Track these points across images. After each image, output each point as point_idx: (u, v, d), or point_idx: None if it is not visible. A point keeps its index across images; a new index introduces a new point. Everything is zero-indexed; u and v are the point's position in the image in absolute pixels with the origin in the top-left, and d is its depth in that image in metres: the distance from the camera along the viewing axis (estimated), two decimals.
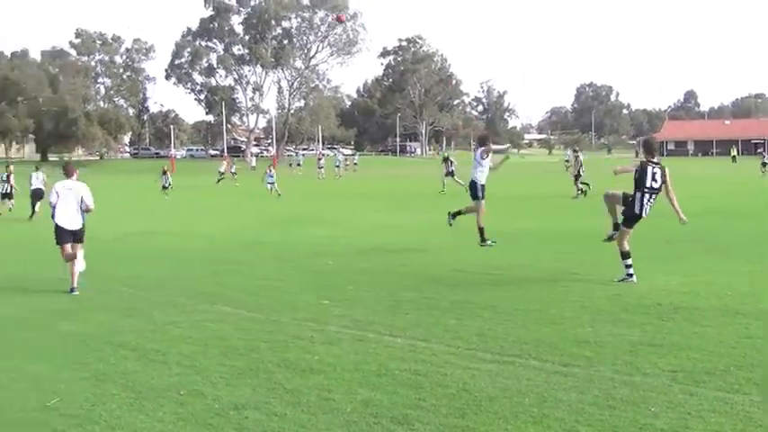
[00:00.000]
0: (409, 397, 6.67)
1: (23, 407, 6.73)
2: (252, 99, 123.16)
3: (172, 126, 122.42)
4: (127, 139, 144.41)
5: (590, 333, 8.70)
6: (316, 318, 9.92)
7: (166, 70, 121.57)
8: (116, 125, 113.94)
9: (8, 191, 30.96)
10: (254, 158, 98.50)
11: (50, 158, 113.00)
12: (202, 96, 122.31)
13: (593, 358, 7.70)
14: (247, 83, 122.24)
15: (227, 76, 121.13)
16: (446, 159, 40.15)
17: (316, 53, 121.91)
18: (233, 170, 59.72)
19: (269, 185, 41.77)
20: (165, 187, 43.05)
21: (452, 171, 39.24)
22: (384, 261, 15.08)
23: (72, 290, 12.15)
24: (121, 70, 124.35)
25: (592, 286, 11.52)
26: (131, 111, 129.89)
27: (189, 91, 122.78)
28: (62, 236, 12.52)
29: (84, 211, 12.67)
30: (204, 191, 47.59)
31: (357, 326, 9.41)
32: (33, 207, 28.19)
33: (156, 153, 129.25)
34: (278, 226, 23.44)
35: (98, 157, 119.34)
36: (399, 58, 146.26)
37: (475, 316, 9.74)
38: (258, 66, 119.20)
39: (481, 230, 16.27)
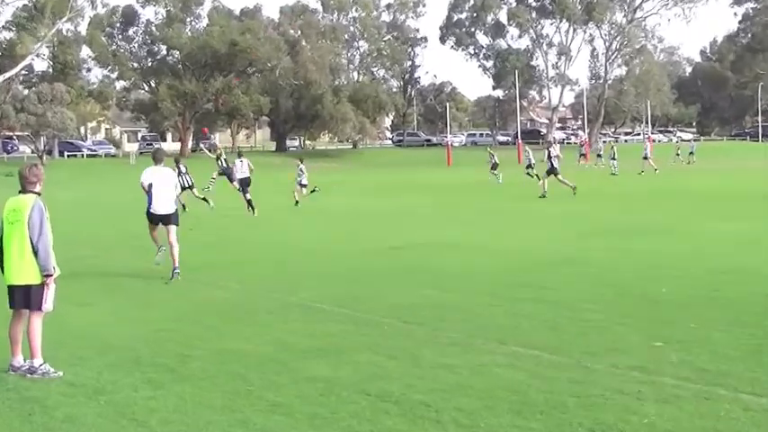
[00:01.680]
0: None
1: None
2: (555, 66, 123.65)
3: (447, 104, 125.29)
4: (388, 121, 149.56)
5: None
6: (644, 365, 9.81)
7: (441, 29, 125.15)
8: (374, 104, 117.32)
9: (188, 184, 34.31)
10: (556, 146, 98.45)
11: (289, 147, 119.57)
12: (489, 63, 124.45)
13: None
14: (549, 44, 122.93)
15: (521, 36, 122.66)
16: None
17: (642, 2, 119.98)
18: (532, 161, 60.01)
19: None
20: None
21: None
22: (743, 288, 14.62)
23: (174, 270, 17.37)
24: (384, 31, 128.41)
25: None
26: (394, 84, 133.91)
27: (470, 56, 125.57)
28: (154, 220, 18.24)
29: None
30: (491, 189, 48.29)
31: (703, 378, 9.22)
32: (246, 198, 33.90)
33: (427, 140, 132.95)
34: (594, 238, 23.39)
35: (350, 146, 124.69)
36: (759, 5, 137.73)
37: None
38: (564, 21, 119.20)
39: None
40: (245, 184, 34.69)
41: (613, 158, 66.09)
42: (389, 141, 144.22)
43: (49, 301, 10.20)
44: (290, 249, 22.46)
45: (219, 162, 41.84)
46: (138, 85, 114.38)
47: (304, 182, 40.43)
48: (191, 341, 11.73)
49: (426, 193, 45.86)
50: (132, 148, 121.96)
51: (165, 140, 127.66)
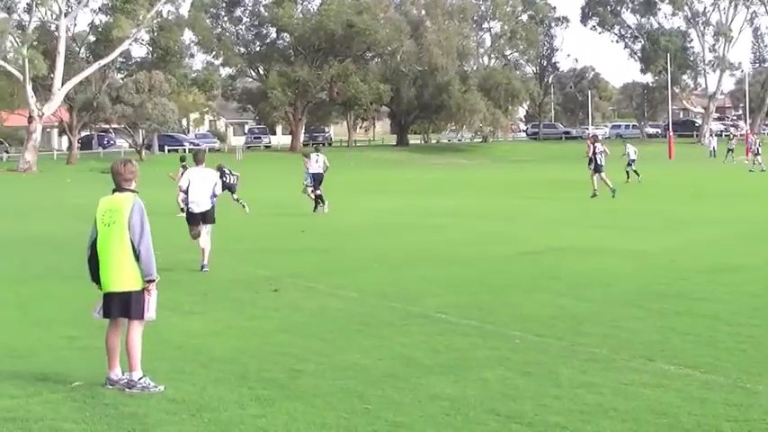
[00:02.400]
0: None
1: None
2: (713, 48, 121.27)
3: (589, 92, 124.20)
4: (522, 111, 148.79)
5: None
6: None
7: (582, 8, 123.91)
8: (506, 92, 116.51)
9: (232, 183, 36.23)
10: (713, 139, 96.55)
11: (410, 141, 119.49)
12: (637, 46, 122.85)
13: None
14: (706, 23, 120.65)
15: (674, 14, 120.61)
16: None
17: None
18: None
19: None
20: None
21: None
22: None
23: (203, 267, 19.99)
24: (518, 10, 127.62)
25: None
26: (529, 70, 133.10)
27: (617, 38, 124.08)
28: (192, 218, 20.68)
29: (214, 195, 20.76)
30: (634, 188, 47.71)
31: None
32: (315, 196, 35.60)
33: (566, 133, 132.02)
34: (755, 243, 23.08)
35: (480, 140, 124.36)
36: None
37: None
38: None
39: None
40: (317, 180, 36.13)
41: (757, 154, 65.00)
42: (523, 134, 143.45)
43: (151, 309, 10.39)
44: (408, 254, 22.55)
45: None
46: (244, 72, 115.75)
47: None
48: (302, 354, 11.90)
49: (562, 192, 45.51)
50: (238, 141, 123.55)
51: (274, 133, 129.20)
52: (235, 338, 13.08)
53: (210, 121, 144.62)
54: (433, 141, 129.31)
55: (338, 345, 12.52)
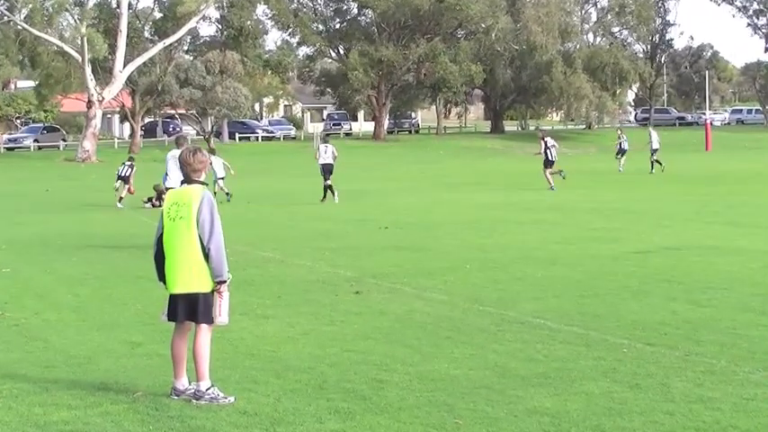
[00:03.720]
0: None
1: None
2: None
3: (707, 72, 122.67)
4: (631, 95, 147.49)
5: None
6: None
7: None
8: (614, 73, 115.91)
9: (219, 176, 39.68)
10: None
11: (506, 128, 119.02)
12: (761, 21, 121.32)
13: None
14: None
15: None
16: None
17: None
18: None
19: None
20: None
21: None
22: None
23: None
24: None
25: None
26: (639, 49, 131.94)
27: (738, 12, 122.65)
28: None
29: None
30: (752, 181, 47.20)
31: None
32: (325, 187, 38.27)
33: (680, 118, 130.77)
34: None
35: (583, 126, 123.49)
36: None
37: None
38: None
39: None
40: (327, 170, 38.75)
41: None
42: (632, 120, 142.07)
43: (224, 313, 10.41)
44: (504, 253, 22.49)
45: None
46: (323, 53, 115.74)
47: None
48: (387, 363, 11.94)
49: (675, 184, 45.14)
50: (316, 128, 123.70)
51: (355, 119, 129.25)
52: (312, 345, 13.14)
53: (286, 106, 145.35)
54: (532, 128, 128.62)
55: (426, 353, 12.54)
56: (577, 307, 15.40)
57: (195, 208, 10.30)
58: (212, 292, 10.36)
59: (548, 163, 44.43)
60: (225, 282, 10.35)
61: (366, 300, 16.73)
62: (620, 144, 58.20)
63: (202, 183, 10.60)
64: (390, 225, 28.99)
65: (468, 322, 14.47)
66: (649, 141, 55.61)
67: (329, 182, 38.51)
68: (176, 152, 24.11)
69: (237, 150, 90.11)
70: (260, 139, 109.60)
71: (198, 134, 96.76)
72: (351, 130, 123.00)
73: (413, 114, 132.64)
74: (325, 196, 38.56)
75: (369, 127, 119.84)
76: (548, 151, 44.51)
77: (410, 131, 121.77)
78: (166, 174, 25.34)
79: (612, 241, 24.17)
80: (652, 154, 55.22)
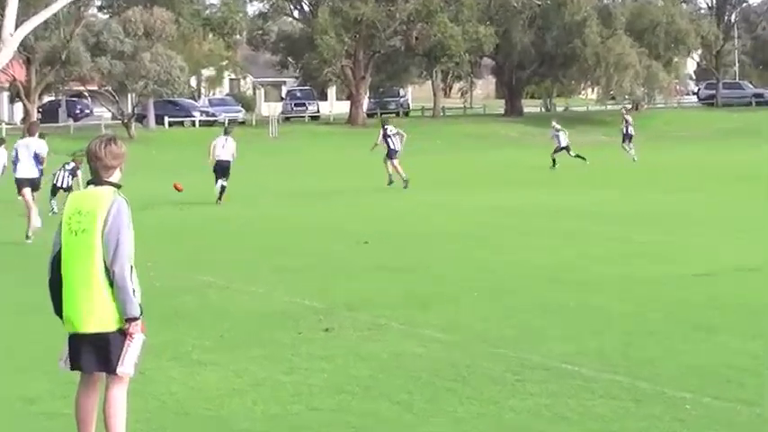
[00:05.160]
0: None
1: None
2: None
3: None
4: (692, 65, 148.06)
5: None
6: None
7: None
8: (668, 36, 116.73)
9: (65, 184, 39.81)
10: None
11: (525, 109, 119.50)
12: None
13: None
14: None
15: None
16: None
17: None
18: None
19: None
20: None
21: None
22: None
23: (27, 237, 28.55)
24: None
25: None
26: (702, 4, 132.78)
27: None
28: (20, 184, 30.10)
29: (39, 163, 30.19)
30: None
31: None
32: (220, 189, 40.69)
33: (757, 95, 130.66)
34: None
35: (629, 107, 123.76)
36: None
37: None
38: None
39: None
40: (222, 168, 40.93)
41: None
42: (693, 98, 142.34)
43: (127, 362, 10.01)
44: (522, 274, 22.45)
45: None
46: (281, 9, 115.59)
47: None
48: (367, 426, 11.92)
49: (748, 185, 45.09)
50: (273, 110, 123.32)
51: (325, 98, 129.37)
52: (266, 401, 13.02)
53: (232, 80, 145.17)
54: (559, 109, 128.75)
55: (419, 411, 12.48)
56: (620, 348, 15.35)
57: (101, 218, 9.93)
58: (121, 331, 9.98)
59: (391, 153, 47.00)
60: (136, 318, 9.98)
61: (339, 339, 16.61)
62: (627, 128, 59.81)
63: (116, 185, 10.23)
64: (371, 238, 28.90)
65: (476, 369, 14.38)
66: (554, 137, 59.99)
67: (225, 183, 40.51)
68: (28, 141, 31.30)
69: (167, 138, 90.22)
70: (197, 123, 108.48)
71: (114, 118, 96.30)
72: (318, 111, 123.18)
73: (401, 92, 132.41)
74: (220, 197, 40.56)
75: (342, 108, 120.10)
76: (388, 140, 47.19)
77: (397, 114, 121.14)
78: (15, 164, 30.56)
79: (666, 259, 24.17)
80: (566, 150, 59.16)
